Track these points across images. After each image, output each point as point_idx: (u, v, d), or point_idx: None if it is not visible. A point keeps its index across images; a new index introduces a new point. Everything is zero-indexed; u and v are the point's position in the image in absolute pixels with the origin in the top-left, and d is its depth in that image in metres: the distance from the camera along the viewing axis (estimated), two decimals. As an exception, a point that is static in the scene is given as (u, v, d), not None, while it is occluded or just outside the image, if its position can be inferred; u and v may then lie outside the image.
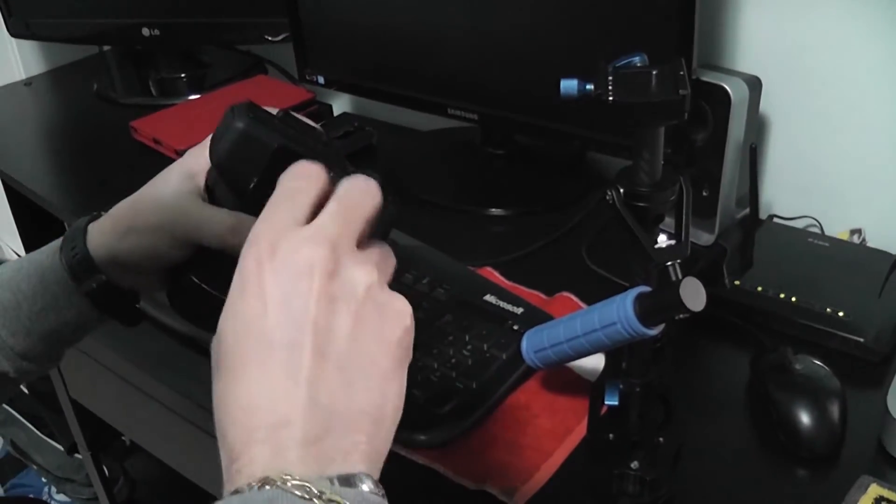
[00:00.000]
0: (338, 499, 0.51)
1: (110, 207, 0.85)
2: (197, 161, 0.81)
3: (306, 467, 0.53)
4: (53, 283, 0.83)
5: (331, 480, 0.53)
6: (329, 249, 0.57)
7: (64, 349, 0.90)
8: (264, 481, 0.51)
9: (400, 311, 0.60)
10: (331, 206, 0.60)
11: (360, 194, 0.62)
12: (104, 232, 0.83)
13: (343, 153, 0.80)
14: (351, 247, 0.59)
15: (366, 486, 0.54)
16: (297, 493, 0.50)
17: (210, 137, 0.78)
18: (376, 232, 0.65)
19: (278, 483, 0.51)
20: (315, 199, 0.61)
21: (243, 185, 0.72)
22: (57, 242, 0.85)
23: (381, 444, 0.58)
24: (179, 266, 0.81)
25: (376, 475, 0.56)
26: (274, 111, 0.77)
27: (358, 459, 0.55)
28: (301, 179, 0.62)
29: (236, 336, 0.57)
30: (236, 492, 0.51)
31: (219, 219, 0.76)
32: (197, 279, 0.81)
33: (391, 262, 0.64)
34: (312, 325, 0.56)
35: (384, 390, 0.58)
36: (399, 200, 0.70)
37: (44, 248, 0.86)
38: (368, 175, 0.66)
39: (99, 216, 0.86)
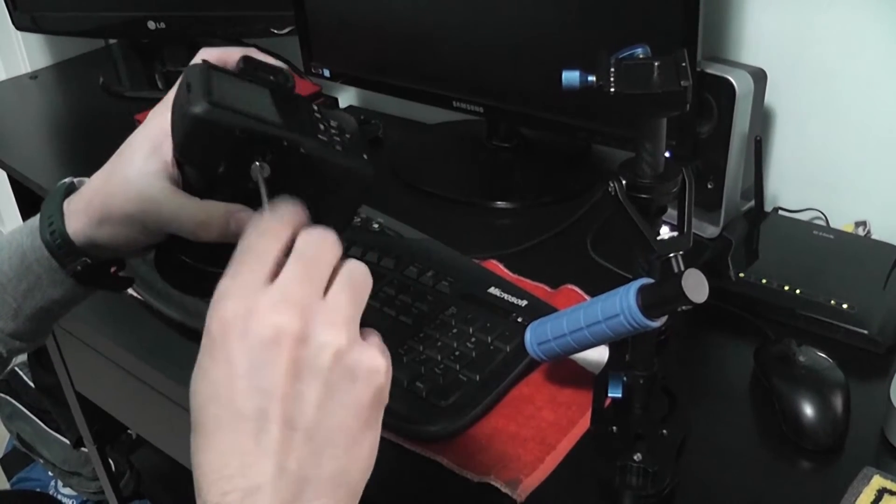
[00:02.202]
0: None
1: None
2: (160, 127, 0.77)
3: None
4: (35, 263, 0.82)
5: None
6: (297, 316, 0.56)
7: (53, 323, 0.89)
8: None
9: (371, 369, 0.59)
10: (293, 268, 0.59)
11: (320, 248, 0.61)
12: (80, 217, 0.80)
13: (308, 100, 0.76)
14: (319, 306, 0.58)
15: None
16: None
17: (169, 98, 0.75)
18: (343, 218, 0.64)
19: None
20: (279, 253, 0.60)
21: (210, 170, 0.70)
22: (34, 221, 0.82)
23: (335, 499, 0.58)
24: (162, 242, 0.80)
25: None
26: (235, 53, 0.75)
27: None
28: (263, 237, 0.61)
29: (206, 398, 0.57)
30: None
31: (189, 214, 0.74)
32: (181, 255, 0.79)
33: (365, 289, 0.62)
34: (281, 396, 0.56)
35: (353, 454, 0.59)
36: (373, 162, 0.69)
37: (22, 227, 0.84)
38: (342, 121, 0.65)
39: (73, 187, 0.84)
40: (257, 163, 0.67)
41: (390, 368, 0.61)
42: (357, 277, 0.61)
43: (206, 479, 0.56)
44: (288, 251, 0.60)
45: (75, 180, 0.85)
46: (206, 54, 0.77)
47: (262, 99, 0.72)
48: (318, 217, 0.64)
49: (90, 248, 0.81)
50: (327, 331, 0.58)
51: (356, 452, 0.59)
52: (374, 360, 0.59)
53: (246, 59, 0.74)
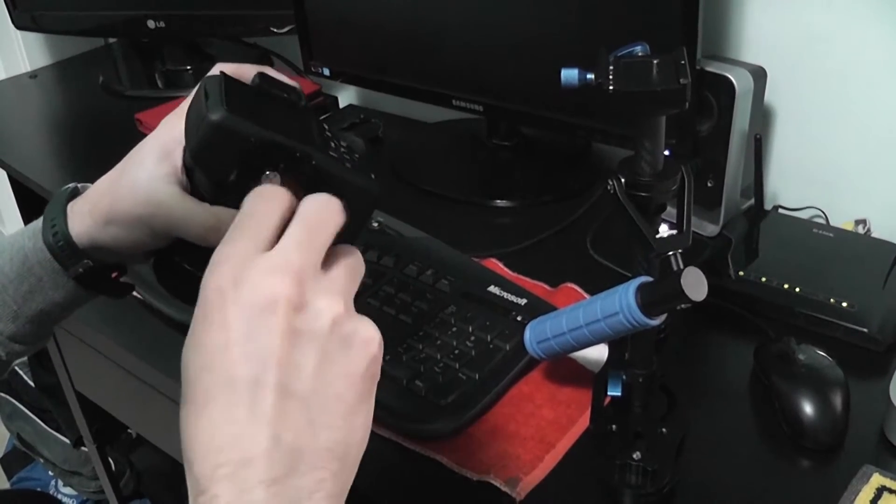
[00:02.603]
0: None
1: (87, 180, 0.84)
2: (171, 135, 0.78)
3: None
4: (37, 265, 0.82)
5: None
6: (294, 282, 0.56)
7: (53, 327, 0.89)
8: None
9: (366, 339, 0.59)
10: (294, 231, 0.59)
11: (324, 214, 0.61)
12: (84, 218, 0.80)
13: (320, 119, 0.77)
14: (316, 275, 0.58)
15: None
16: None
17: (183, 108, 0.75)
18: (348, 235, 0.65)
19: None
20: (279, 220, 0.60)
21: (221, 177, 0.69)
22: (37, 224, 0.82)
23: (345, 480, 0.57)
24: (163, 248, 0.80)
25: None
26: (251, 69, 0.76)
27: (322, 497, 0.55)
28: (265, 201, 0.61)
29: (199, 369, 0.56)
30: None
31: (198, 219, 0.74)
32: (182, 261, 0.79)
33: (359, 272, 0.62)
34: (276, 362, 0.55)
35: (349, 425, 0.58)
36: (377, 180, 0.69)
37: (24, 230, 0.83)
38: (352, 143, 0.65)
39: (77, 192, 0.84)
40: (268, 172, 0.68)
41: (382, 342, 0.60)
42: (353, 260, 0.62)
43: (196, 453, 0.54)
44: (285, 222, 0.60)
45: (79, 185, 0.85)
46: (222, 67, 0.77)
47: (277, 112, 0.72)
48: None
49: (93, 250, 0.81)
50: (324, 298, 0.57)
51: (352, 423, 0.58)
52: (368, 329, 0.59)
53: (261, 76, 0.74)
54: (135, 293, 1.24)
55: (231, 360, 0.55)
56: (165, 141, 0.78)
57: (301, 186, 0.69)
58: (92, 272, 0.82)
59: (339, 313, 0.58)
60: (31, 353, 0.91)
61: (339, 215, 0.62)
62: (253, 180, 0.67)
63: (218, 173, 0.70)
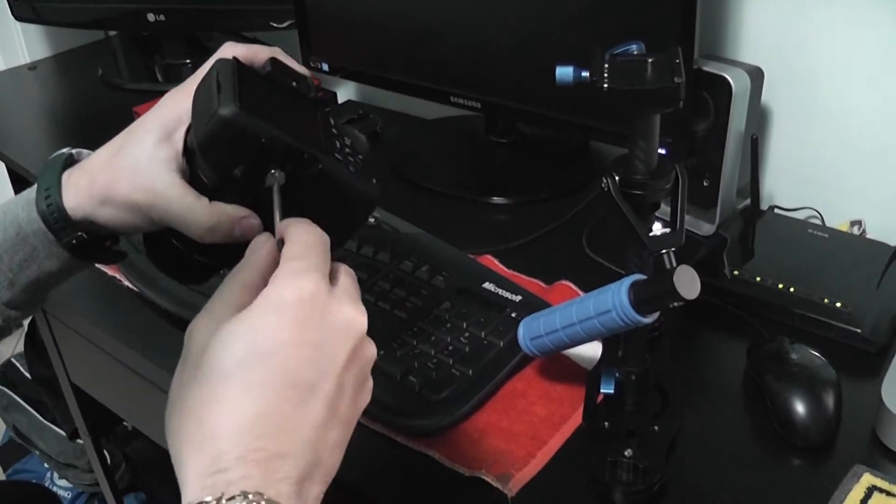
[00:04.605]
0: None
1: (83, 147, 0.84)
2: (174, 113, 0.78)
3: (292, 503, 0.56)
4: (31, 235, 0.81)
5: None
6: (364, 318, 0.63)
7: (48, 292, 0.88)
8: (260, 498, 0.53)
9: (370, 380, 0.65)
10: (341, 270, 0.65)
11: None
12: (80, 192, 0.80)
13: (326, 111, 0.77)
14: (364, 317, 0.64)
15: None
16: None
17: (190, 86, 0.75)
18: (342, 238, 0.67)
19: None
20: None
21: (227, 169, 0.70)
22: (31, 192, 0.82)
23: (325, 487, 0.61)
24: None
25: None
26: (263, 52, 0.76)
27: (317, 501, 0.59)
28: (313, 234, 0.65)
29: (255, 352, 0.58)
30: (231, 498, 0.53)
31: (198, 218, 0.74)
32: (173, 238, 0.80)
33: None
34: (335, 377, 0.59)
35: (343, 450, 0.62)
36: (380, 181, 0.70)
37: (17, 198, 0.83)
38: (355, 140, 0.66)
39: (72, 159, 0.84)
40: (274, 171, 0.68)
41: None
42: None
43: (225, 430, 0.56)
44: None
45: (74, 151, 0.85)
46: (234, 50, 0.77)
47: (287, 108, 0.73)
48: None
49: (87, 224, 0.81)
50: (370, 345, 0.64)
51: (344, 449, 0.62)
52: (371, 367, 0.65)
53: (273, 62, 0.74)
54: (130, 285, 1.24)
55: (298, 359, 0.58)
56: (168, 120, 0.78)
57: (305, 185, 0.69)
58: (85, 243, 0.82)
59: (374, 355, 0.64)
60: (27, 318, 0.90)
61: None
62: (258, 176, 0.68)
63: (223, 167, 0.71)
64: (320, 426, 0.58)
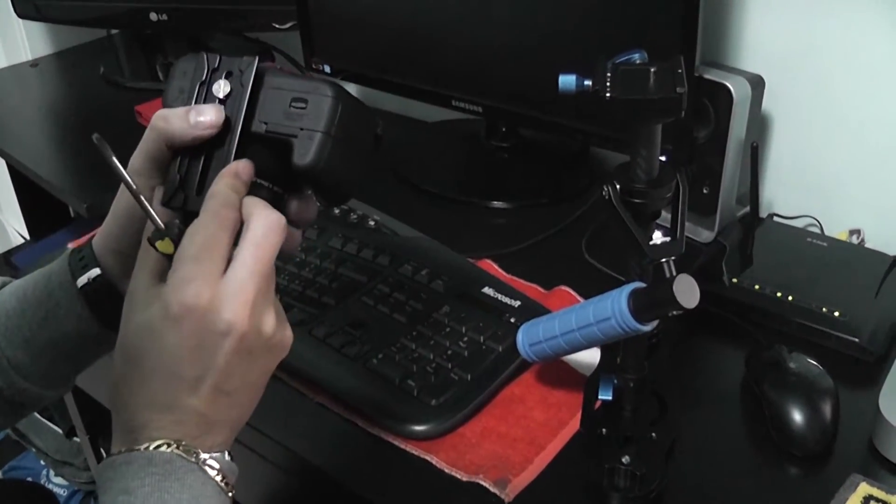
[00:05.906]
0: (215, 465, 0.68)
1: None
2: (160, 146, 0.79)
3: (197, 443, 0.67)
4: (57, 285, 0.81)
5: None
6: (248, 314, 0.66)
7: (59, 370, 0.86)
8: (177, 442, 0.66)
9: (286, 344, 0.71)
10: (247, 259, 0.67)
11: (271, 236, 0.68)
12: (106, 236, 0.82)
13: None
14: (265, 300, 0.68)
15: (228, 457, 0.69)
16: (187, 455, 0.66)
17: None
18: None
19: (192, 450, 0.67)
20: (232, 240, 0.68)
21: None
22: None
23: (238, 429, 0.71)
24: None
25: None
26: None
27: (223, 445, 0.70)
28: (222, 229, 0.68)
29: (148, 350, 0.66)
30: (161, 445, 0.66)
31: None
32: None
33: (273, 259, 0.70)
34: (218, 371, 0.66)
35: (252, 402, 0.71)
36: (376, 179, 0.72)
37: (59, 259, 0.84)
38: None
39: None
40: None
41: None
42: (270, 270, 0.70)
43: (135, 404, 0.67)
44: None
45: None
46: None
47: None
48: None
49: (113, 265, 0.82)
50: (268, 317, 0.68)
51: (254, 400, 0.71)
52: (290, 337, 0.71)
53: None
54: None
55: (182, 360, 0.66)
56: (154, 155, 0.80)
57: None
58: (99, 286, 0.81)
59: (273, 326, 0.69)
60: (39, 404, 0.89)
61: (283, 233, 0.69)
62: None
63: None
64: (207, 405, 0.67)
